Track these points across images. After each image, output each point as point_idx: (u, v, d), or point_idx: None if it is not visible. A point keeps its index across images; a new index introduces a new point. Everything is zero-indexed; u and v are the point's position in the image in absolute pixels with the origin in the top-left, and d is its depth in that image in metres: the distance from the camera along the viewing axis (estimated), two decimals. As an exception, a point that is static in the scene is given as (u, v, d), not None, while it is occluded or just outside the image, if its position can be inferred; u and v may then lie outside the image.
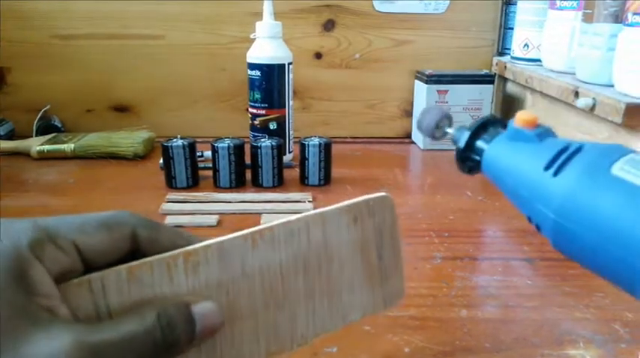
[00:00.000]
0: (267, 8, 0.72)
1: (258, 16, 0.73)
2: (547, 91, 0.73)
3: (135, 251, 0.24)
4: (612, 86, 0.62)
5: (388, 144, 0.92)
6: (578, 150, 0.24)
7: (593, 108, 0.61)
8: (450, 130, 0.31)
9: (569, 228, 0.23)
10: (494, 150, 0.28)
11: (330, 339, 0.38)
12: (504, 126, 0.29)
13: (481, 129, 0.29)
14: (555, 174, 0.24)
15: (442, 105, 0.85)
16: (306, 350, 0.37)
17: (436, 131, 0.31)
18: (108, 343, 0.20)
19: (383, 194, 0.29)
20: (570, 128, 0.71)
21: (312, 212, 0.26)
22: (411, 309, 0.41)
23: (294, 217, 0.26)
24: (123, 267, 0.23)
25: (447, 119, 0.31)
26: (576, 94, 0.65)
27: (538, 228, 0.25)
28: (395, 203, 0.29)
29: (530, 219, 0.26)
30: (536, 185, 0.25)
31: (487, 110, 0.86)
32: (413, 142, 0.93)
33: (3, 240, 0.20)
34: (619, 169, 0.22)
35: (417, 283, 0.45)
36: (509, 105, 0.91)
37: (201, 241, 0.25)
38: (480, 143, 0.29)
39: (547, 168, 0.24)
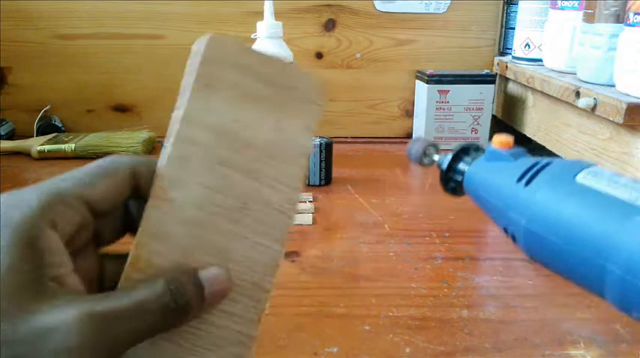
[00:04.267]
0: (267, 8, 0.72)
1: (259, 15, 0.73)
2: (548, 91, 0.73)
3: (136, 188, 0.24)
4: (613, 86, 0.62)
5: (389, 144, 0.92)
6: (548, 164, 0.27)
7: (594, 108, 0.61)
8: (436, 157, 0.33)
9: (539, 233, 0.25)
10: (473, 170, 0.31)
11: (331, 340, 0.38)
12: (484, 151, 0.32)
13: (463, 153, 0.32)
14: (527, 184, 0.26)
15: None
16: (307, 350, 0.37)
17: (424, 158, 0.33)
18: (117, 311, 0.20)
19: (206, 41, 0.24)
20: (571, 128, 0.71)
21: (177, 122, 0.23)
22: (411, 309, 0.41)
23: (169, 143, 0.23)
24: None
25: (434, 147, 0.33)
26: (577, 94, 0.65)
27: (513, 238, 0.27)
28: (215, 36, 0.24)
29: (506, 231, 0.28)
30: (509, 196, 0.27)
31: (488, 110, 0.86)
32: (414, 142, 0.93)
33: (13, 211, 0.20)
34: (582, 178, 0.25)
35: (417, 283, 0.45)
36: (510, 105, 0.91)
37: None
38: (461, 165, 0.32)
39: (519, 180, 0.27)
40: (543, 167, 0.27)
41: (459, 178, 0.32)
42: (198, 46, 0.24)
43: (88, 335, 0.19)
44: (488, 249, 0.54)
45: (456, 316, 0.41)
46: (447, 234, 0.55)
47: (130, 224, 0.25)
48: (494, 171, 0.29)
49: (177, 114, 0.24)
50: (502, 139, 0.30)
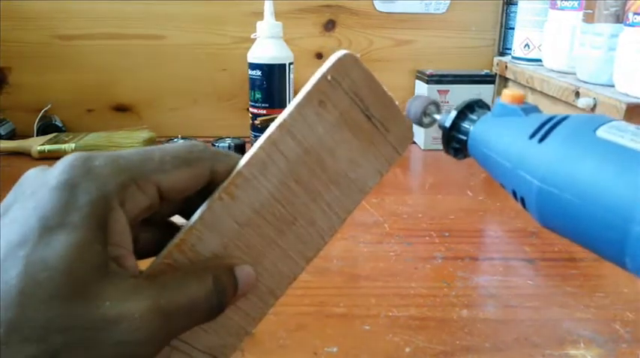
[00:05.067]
0: (267, 8, 0.72)
1: (259, 16, 0.73)
2: (548, 91, 0.73)
3: (209, 183, 0.24)
4: (613, 86, 0.62)
5: (389, 144, 0.92)
6: (564, 119, 0.25)
7: (593, 108, 0.61)
8: (437, 116, 0.31)
9: (554, 194, 0.23)
10: (480, 126, 0.28)
11: (331, 339, 0.38)
12: (491, 109, 0.29)
13: (468, 110, 0.29)
14: (540, 141, 0.24)
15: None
16: (307, 349, 0.37)
17: (424, 117, 0.31)
18: (175, 306, 0.20)
19: (339, 57, 0.24)
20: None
21: (273, 127, 0.24)
22: (411, 309, 0.41)
23: (257, 146, 0.24)
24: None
25: (435, 105, 0.31)
26: (577, 94, 0.65)
27: (523, 201, 0.25)
28: (357, 56, 0.25)
29: (515, 194, 0.25)
30: (520, 154, 0.25)
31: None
32: (414, 142, 0.93)
33: (89, 184, 0.20)
34: (604, 132, 0.22)
35: (417, 283, 0.45)
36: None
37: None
38: (466, 123, 0.29)
39: (532, 136, 0.25)
40: (559, 122, 0.24)
41: (464, 137, 0.29)
42: (332, 59, 0.24)
43: (151, 330, 0.19)
44: (488, 249, 0.54)
45: (455, 316, 0.41)
46: (447, 234, 0.55)
47: (183, 208, 0.25)
48: (504, 128, 0.27)
49: (281, 117, 0.24)
50: (513, 93, 0.27)
